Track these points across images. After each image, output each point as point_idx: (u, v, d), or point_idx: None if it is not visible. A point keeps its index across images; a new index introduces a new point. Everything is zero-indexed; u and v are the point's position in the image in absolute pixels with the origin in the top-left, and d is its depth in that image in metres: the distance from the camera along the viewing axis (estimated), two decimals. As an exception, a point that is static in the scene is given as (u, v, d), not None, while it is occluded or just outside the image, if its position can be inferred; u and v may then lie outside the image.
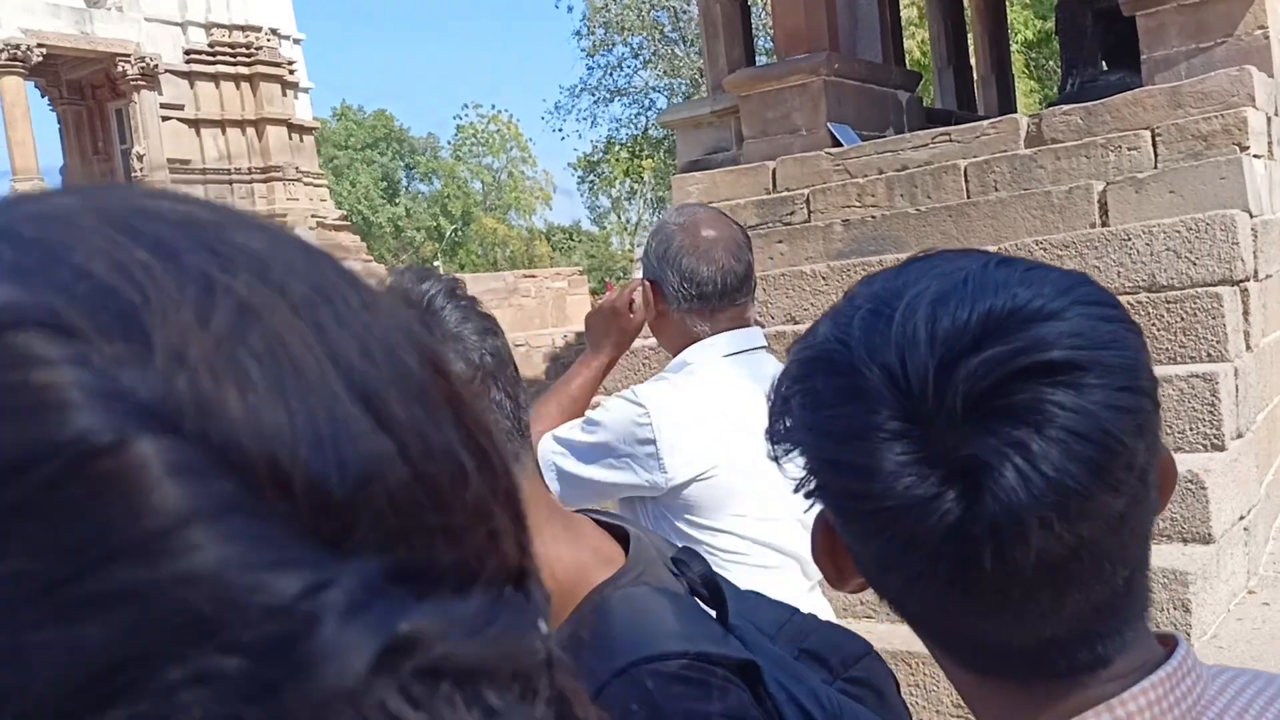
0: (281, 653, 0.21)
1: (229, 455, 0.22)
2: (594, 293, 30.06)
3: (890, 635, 2.53)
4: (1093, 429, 0.54)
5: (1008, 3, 13.49)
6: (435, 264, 45.25)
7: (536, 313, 15.45)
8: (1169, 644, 0.63)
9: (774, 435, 0.65)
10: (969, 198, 5.37)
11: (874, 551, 0.61)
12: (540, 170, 51.83)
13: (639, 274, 1.94)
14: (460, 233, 47.34)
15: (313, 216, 16.08)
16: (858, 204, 5.81)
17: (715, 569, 0.98)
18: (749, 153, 6.89)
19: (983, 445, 0.54)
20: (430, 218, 46.42)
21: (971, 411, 0.55)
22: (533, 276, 16.21)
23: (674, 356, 1.82)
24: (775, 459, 0.66)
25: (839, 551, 0.65)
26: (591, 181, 36.77)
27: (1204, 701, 0.61)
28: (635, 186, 34.51)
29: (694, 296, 1.76)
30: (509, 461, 0.29)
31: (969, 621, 0.60)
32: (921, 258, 0.64)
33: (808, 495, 0.64)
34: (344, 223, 17.19)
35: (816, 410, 0.61)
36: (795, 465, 0.64)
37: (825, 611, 1.58)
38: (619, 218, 44.25)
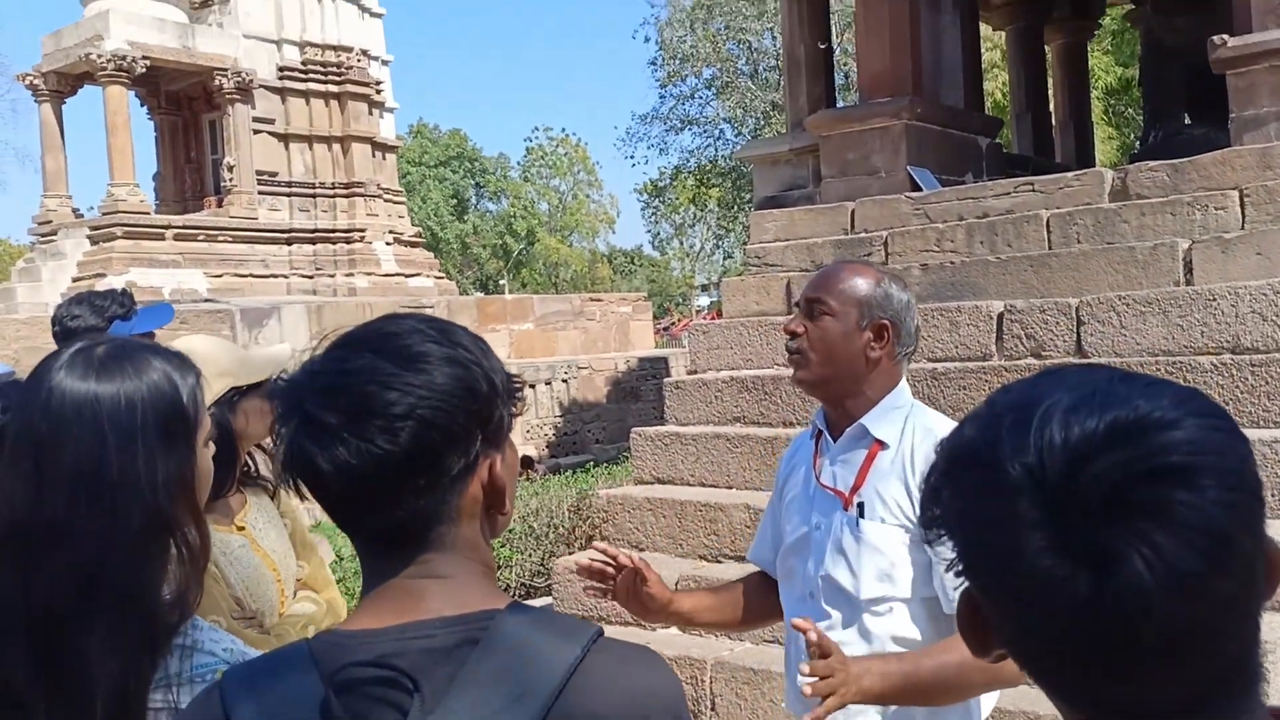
0: None
1: None
2: (657, 317, 30.20)
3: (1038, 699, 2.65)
4: (1207, 524, 0.64)
5: (1089, 49, 13.40)
6: (501, 281, 45.77)
7: (601, 336, 15.59)
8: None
9: (926, 521, 0.76)
10: (1050, 248, 5.37)
11: (1014, 623, 0.71)
12: (606, 194, 52.41)
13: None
14: (525, 252, 47.90)
15: (390, 232, 16.41)
16: (936, 249, 5.84)
17: None
18: (827, 192, 6.95)
19: (1113, 536, 0.64)
20: (496, 236, 47.04)
21: (1102, 506, 0.65)
22: (598, 300, 16.35)
23: (878, 395, 1.97)
24: (928, 542, 0.77)
25: (981, 625, 0.75)
26: (656, 207, 36.95)
27: None
28: (699, 214, 34.68)
29: (913, 345, 2.00)
30: None
31: (1098, 686, 0.69)
32: (1053, 371, 0.76)
33: (957, 575, 0.74)
34: (418, 239, 17.51)
35: (966, 500, 0.72)
36: (946, 548, 0.75)
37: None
38: (681, 244, 44.47)
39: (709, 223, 34.95)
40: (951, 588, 1.81)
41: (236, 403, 2.16)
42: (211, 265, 14.49)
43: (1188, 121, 9.04)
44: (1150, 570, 0.63)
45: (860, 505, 1.91)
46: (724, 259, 39.83)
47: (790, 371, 2.05)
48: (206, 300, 12.75)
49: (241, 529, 2.22)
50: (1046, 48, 11.25)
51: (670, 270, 51.57)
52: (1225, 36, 5.36)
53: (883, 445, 1.92)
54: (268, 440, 2.28)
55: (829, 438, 2.01)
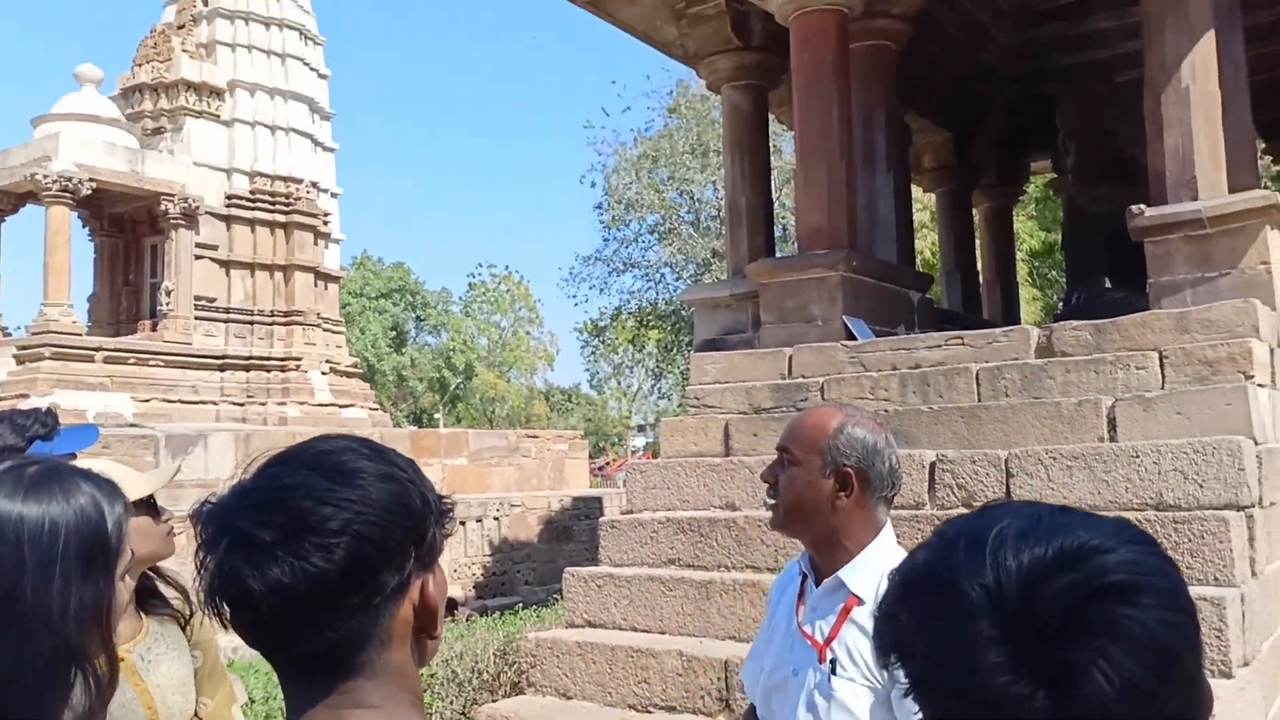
0: None
1: None
2: (592, 456, 30.05)
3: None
4: (1153, 639, 0.68)
5: (1014, 213, 14.08)
6: (436, 415, 45.42)
7: (535, 473, 15.45)
8: None
9: (882, 645, 0.76)
10: (980, 401, 5.51)
11: None
12: (546, 331, 52.79)
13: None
14: (462, 386, 47.77)
15: (326, 361, 16.29)
16: (871, 397, 5.95)
17: None
18: (766, 337, 7.09)
19: (1072, 652, 0.67)
20: (434, 369, 46.94)
21: (1060, 625, 0.68)
22: (535, 437, 16.27)
23: (855, 544, 1.92)
24: (885, 666, 0.77)
25: None
26: (595, 346, 37.28)
27: None
28: (638, 355, 35.06)
29: (890, 487, 1.94)
30: None
31: None
32: (996, 505, 0.80)
33: (915, 698, 0.75)
34: (354, 370, 17.40)
35: (924, 621, 0.74)
36: (900, 673, 0.76)
37: None
38: (619, 384, 44.77)
39: (647, 364, 35.31)
40: None
41: None
42: (140, 389, 14.20)
43: (1108, 285, 9.47)
44: (1109, 684, 0.66)
45: (833, 661, 1.87)
46: (660, 400, 40.10)
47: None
48: (131, 425, 12.43)
49: (121, 659, 2.10)
50: (974, 211, 11.81)
51: (607, 409, 51.71)
52: (1143, 207, 5.67)
53: (859, 600, 1.89)
54: (166, 564, 2.19)
55: (812, 582, 1.98)
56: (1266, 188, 7.84)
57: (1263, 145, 9.92)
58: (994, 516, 0.76)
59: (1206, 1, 5.71)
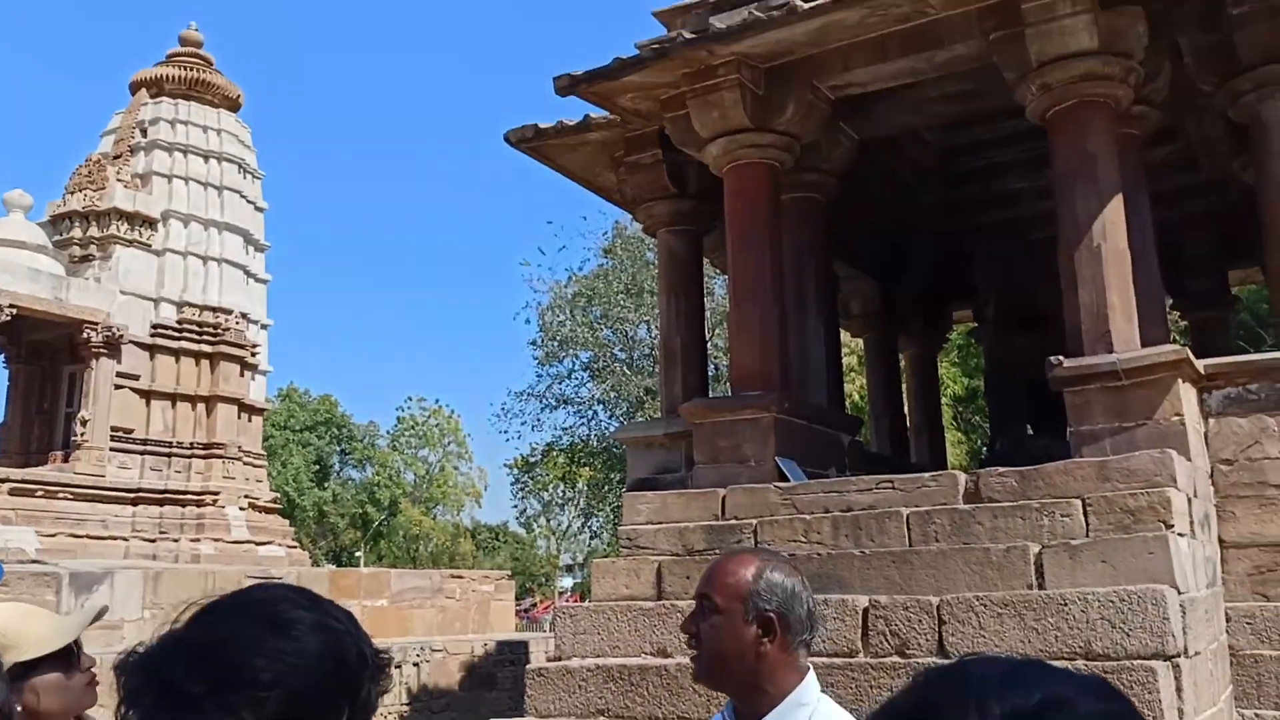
0: None
1: None
2: (519, 597, 29.27)
3: None
4: None
5: (939, 359, 14.51)
6: (356, 553, 44.14)
7: (460, 615, 15.01)
8: None
9: None
10: (911, 545, 5.56)
11: None
12: (475, 467, 52.09)
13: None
14: (385, 523, 46.63)
15: (245, 496, 15.85)
16: (804, 539, 5.96)
17: None
18: (699, 478, 7.10)
19: None
20: (357, 504, 45.82)
21: None
22: (460, 577, 15.87)
23: (779, 691, 1.89)
24: None
25: None
26: (525, 483, 36.91)
27: None
28: (569, 493, 34.73)
29: (810, 630, 1.92)
30: None
31: None
32: (973, 657, 0.84)
33: None
34: (274, 505, 16.93)
35: None
36: None
37: None
38: (548, 521, 44.12)
39: (578, 502, 34.97)
40: None
41: (25, 679, 1.93)
42: (46, 523, 13.61)
43: (1030, 432, 9.74)
44: None
45: None
46: (591, 539, 39.57)
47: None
48: (33, 561, 11.86)
49: None
50: (900, 356, 12.16)
51: (535, 548, 50.77)
52: (1061, 358, 5.90)
53: None
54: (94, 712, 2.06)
55: None
56: (1176, 342, 8.23)
57: (1170, 301, 10.45)
58: (971, 665, 0.81)
59: (1114, 167, 6.10)
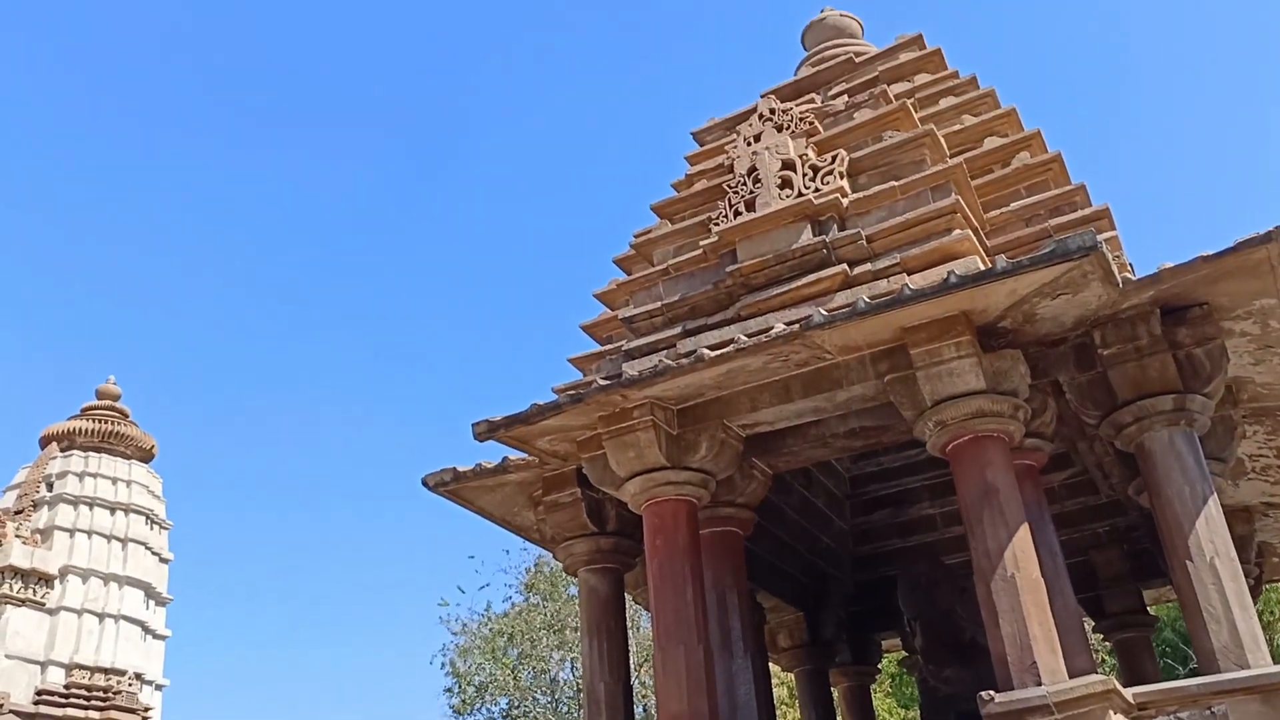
0: None
1: None
2: None
3: None
4: None
5: (871, 691, 14.16)
6: None
7: None
8: None
9: None
10: None
11: None
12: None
13: None
14: None
15: None
16: None
17: None
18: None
19: None
20: None
21: None
22: None
23: None
24: None
25: None
26: None
27: None
28: None
29: None
30: None
31: None
32: None
33: None
34: None
35: None
36: None
37: None
38: None
39: None
40: None
41: None
42: None
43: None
44: None
45: None
46: None
47: None
48: None
49: None
50: (833, 689, 11.85)
51: None
52: (992, 693, 5.84)
53: None
54: None
55: None
56: (1103, 665, 8.22)
57: (1091, 624, 10.55)
58: None
59: (1016, 498, 6.37)
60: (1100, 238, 6.05)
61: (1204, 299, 6.69)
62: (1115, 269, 6.28)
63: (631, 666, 9.79)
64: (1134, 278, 6.61)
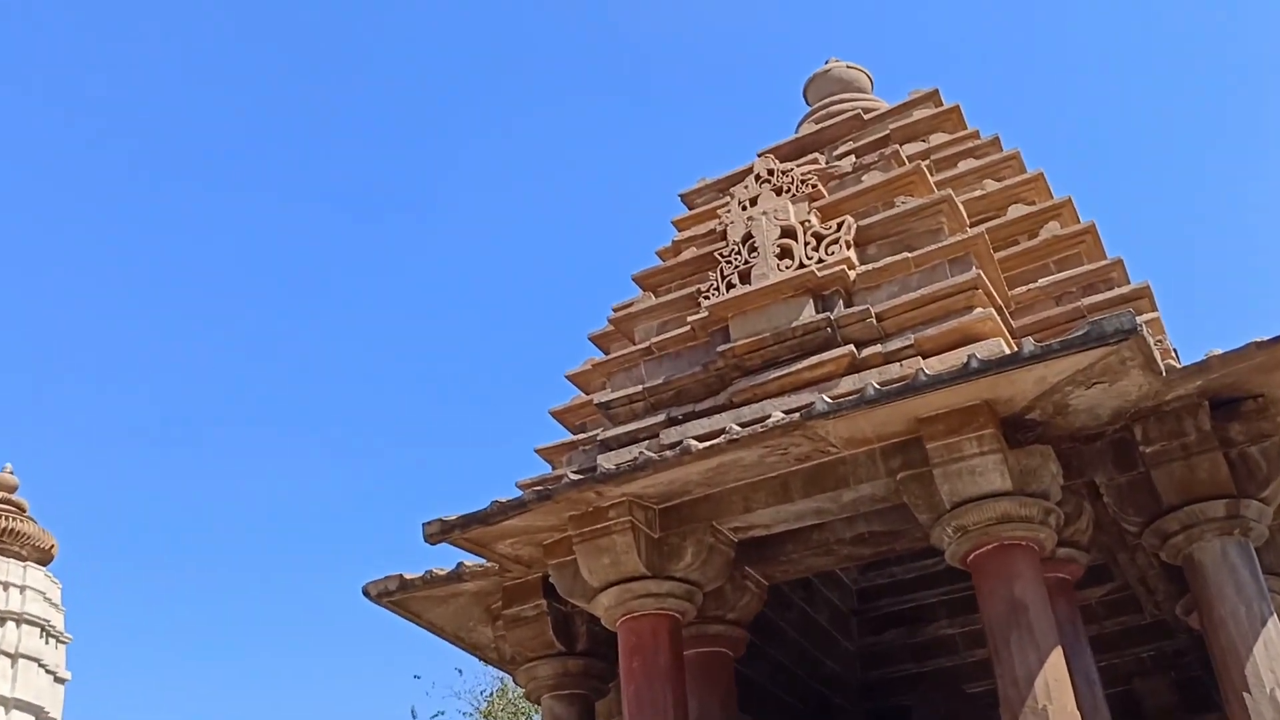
0: None
1: None
2: None
3: None
4: None
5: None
6: None
7: None
8: None
9: None
10: None
11: None
12: None
13: None
14: None
15: None
16: None
17: None
18: None
19: None
20: None
21: None
22: None
23: None
24: None
25: None
26: None
27: None
28: None
29: None
30: None
31: None
32: None
33: None
34: None
35: None
36: None
37: None
38: None
39: None
40: None
41: None
42: None
43: None
44: None
45: None
46: None
47: None
48: None
49: None
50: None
51: None
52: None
53: None
54: None
55: None
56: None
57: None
58: None
59: (1048, 617, 6.28)
60: (1140, 319, 6.07)
61: (1259, 390, 6.70)
62: (1158, 355, 6.29)
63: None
64: (1179, 365, 6.61)
